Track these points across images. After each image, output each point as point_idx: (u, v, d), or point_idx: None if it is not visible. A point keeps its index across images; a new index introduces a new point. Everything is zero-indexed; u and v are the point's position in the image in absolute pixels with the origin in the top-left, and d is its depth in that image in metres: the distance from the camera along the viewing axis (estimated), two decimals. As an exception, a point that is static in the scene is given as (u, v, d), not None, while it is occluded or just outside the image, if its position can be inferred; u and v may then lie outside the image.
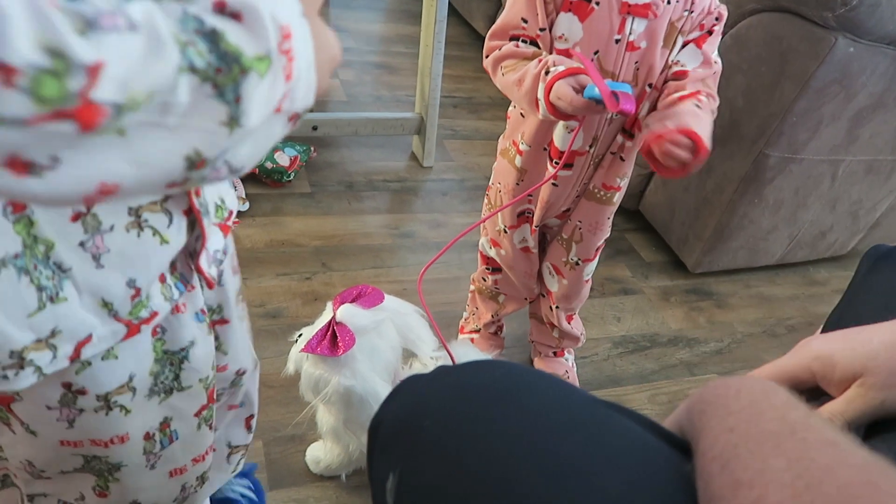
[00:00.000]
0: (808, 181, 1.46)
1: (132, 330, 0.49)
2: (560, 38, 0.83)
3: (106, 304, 0.47)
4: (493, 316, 1.22)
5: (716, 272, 1.64)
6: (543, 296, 1.20)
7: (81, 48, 0.25)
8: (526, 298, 1.20)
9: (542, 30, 0.83)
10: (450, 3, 2.32)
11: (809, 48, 1.23)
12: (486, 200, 1.12)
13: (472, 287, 1.26)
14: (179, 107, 0.29)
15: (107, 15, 0.26)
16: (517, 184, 1.00)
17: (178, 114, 0.29)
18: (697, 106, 0.84)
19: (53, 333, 0.44)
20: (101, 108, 0.27)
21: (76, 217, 0.43)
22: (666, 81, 0.88)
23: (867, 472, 0.32)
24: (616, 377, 1.32)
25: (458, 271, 1.46)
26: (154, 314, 0.50)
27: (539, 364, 1.28)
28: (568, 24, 0.82)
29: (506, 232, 1.07)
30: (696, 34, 0.87)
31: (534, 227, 1.05)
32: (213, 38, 0.30)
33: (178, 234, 0.50)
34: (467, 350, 0.95)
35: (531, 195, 1.01)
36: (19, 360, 0.43)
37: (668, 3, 0.83)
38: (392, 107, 1.98)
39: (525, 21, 0.83)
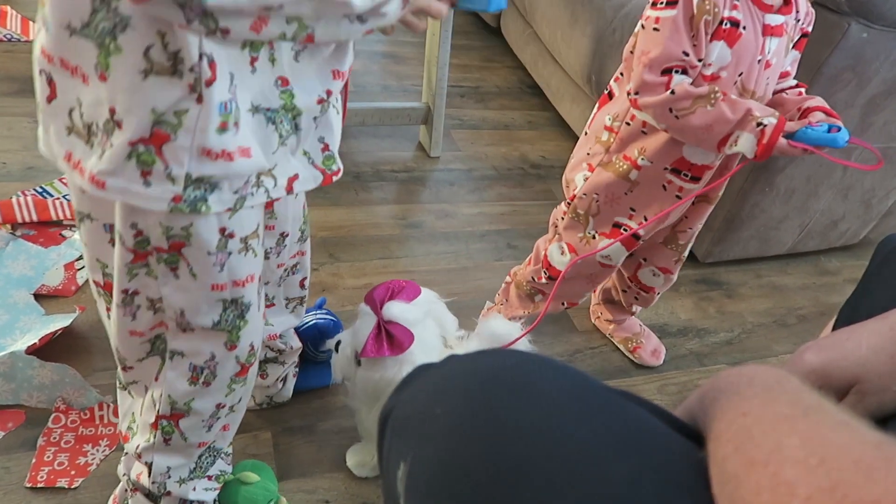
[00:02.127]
0: (819, 169, 1.44)
1: (326, 178, 0.68)
2: (709, 65, 0.87)
3: (305, 153, 0.66)
4: (524, 312, 1.22)
5: (726, 262, 1.63)
6: (625, 291, 1.25)
7: None
8: (564, 304, 1.19)
9: (699, 60, 0.86)
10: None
11: (822, 34, 1.21)
12: (564, 209, 1.09)
13: (508, 279, 1.25)
14: None
15: None
16: (625, 193, 1.01)
17: None
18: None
19: (275, 166, 0.61)
20: None
21: (320, 101, 0.62)
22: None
23: (881, 449, 0.32)
24: (625, 367, 1.31)
25: (467, 261, 1.46)
26: (339, 170, 0.69)
27: (609, 328, 1.35)
28: (718, 52, 0.86)
29: (594, 238, 1.07)
30: (797, 36, 0.94)
31: (635, 242, 1.06)
32: None
33: (340, 108, 0.69)
34: (500, 323, 0.94)
35: (634, 208, 1.02)
36: (258, 180, 0.60)
37: (790, 18, 0.89)
38: (399, 97, 1.97)
39: (686, 54, 0.85)
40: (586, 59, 1.72)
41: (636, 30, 0.92)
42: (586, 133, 1.06)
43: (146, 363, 0.74)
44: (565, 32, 1.80)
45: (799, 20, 0.92)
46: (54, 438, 0.95)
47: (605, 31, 1.66)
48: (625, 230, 1.04)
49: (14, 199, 1.24)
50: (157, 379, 0.75)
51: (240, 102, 0.55)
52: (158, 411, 0.74)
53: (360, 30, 0.56)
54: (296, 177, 0.64)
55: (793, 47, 0.96)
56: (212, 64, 0.51)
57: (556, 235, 1.13)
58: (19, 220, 1.22)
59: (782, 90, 0.97)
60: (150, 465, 0.78)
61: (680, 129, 0.90)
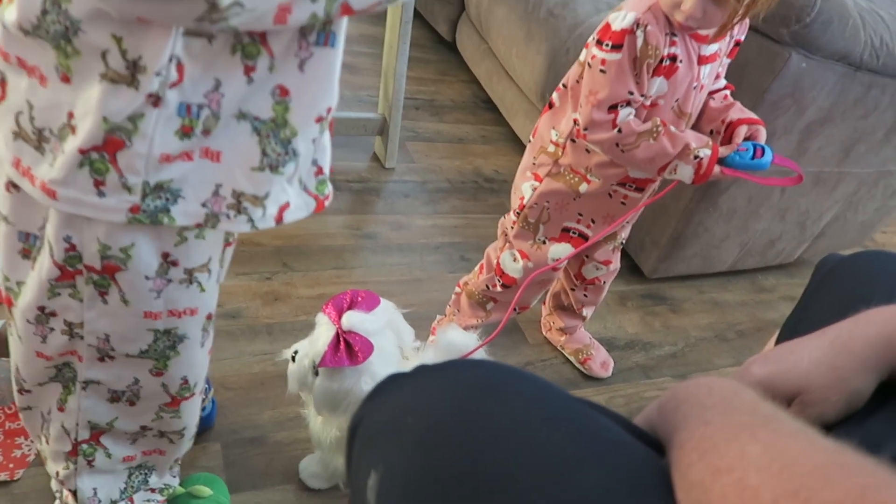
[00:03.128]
0: (760, 191, 1.51)
1: (319, 204, 0.64)
2: (648, 97, 0.93)
3: (300, 180, 0.60)
4: (477, 321, 1.23)
5: (671, 278, 1.68)
6: (573, 289, 1.27)
7: None
8: (517, 310, 1.21)
9: (643, 96, 0.91)
10: (415, 9, 2.32)
11: (765, 63, 1.28)
12: (514, 218, 1.12)
13: (458, 289, 1.26)
14: None
15: None
16: (574, 199, 1.06)
17: None
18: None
19: (266, 195, 0.56)
20: None
21: (319, 119, 0.57)
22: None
23: (837, 455, 0.34)
24: (575, 380, 1.34)
25: (420, 273, 1.46)
26: (329, 195, 0.65)
27: (561, 339, 1.37)
28: (658, 85, 0.92)
29: (544, 244, 1.10)
30: (731, 47, 1.00)
31: (584, 241, 1.10)
32: None
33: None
34: (457, 334, 0.94)
35: (581, 213, 1.07)
36: (237, 202, 0.55)
37: (725, 41, 0.95)
38: (354, 107, 1.97)
39: (631, 93, 0.90)
40: (540, 76, 1.75)
41: (581, 58, 0.95)
42: (530, 141, 1.10)
43: (46, 388, 0.70)
44: (520, 50, 1.84)
45: (732, 35, 0.98)
46: (-21, 436, 0.92)
47: (559, 51, 1.70)
48: (573, 234, 1.09)
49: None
50: (61, 409, 0.70)
51: (223, 108, 0.52)
52: (76, 439, 0.71)
53: None
54: (287, 205, 0.59)
55: (727, 57, 1.02)
56: (180, 66, 0.48)
57: (507, 243, 1.15)
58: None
59: (711, 93, 1.03)
60: (74, 492, 0.74)
61: (625, 160, 0.96)
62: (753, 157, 0.93)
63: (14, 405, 0.94)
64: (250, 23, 0.46)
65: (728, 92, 1.04)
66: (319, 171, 0.63)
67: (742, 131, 0.96)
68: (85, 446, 0.72)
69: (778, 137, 1.39)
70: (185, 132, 0.51)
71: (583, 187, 1.04)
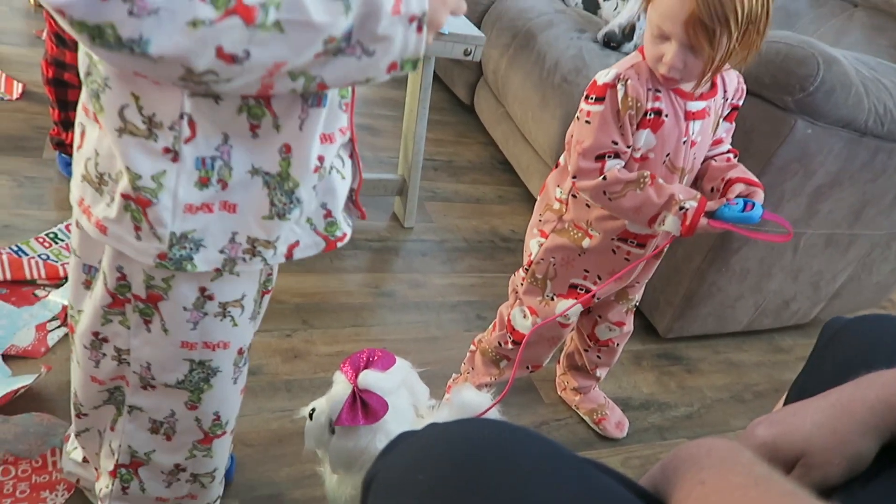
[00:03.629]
0: (772, 252, 1.53)
1: (330, 244, 0.69)
2: (637, 149, 0.97)
3: (308, 220, 0.67)
4: (490, 379, 1.25)
5: (686, 337, 1.69)
6: (587, 350, 1.29)
7: None
8: (529, 368, 1.23)
9: (628, 147, 0.96)
10: (434, 73, 2.41)
11: (771, 129, 1.32)
12: (523, 274, 1.16)
13: (472, 347, 1.29)
14: (308, 5, 0.48)
15: None
16: (579, 256, 1.09)
17: (309, 11, 0.49)
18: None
19: (277, 238, 0.63)
20: (251, 6, 0.47)
21: (315, 170, 0.63)
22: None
23: None
24: (590, 440, 1.34)
25: (437, 331, 1.49)
26: (344, 235, 0.71)
27: (575, 399, 1.38)
28: (645, 138, 0.96)
29: (552, 300, 1.13)
30: (727, 111, 1.05)
31: (592, 300, 1.13)
32: None
33: (349, 172, 0.71)
34: (471, 394, 0.97)
35: (587, 269, 1.10)
36: (252, 247, 0.62)
37: (714, 100, 0.99)
38: (374, 167, 2.04)
39: (615, 143, 0.95)
40: (555, 139, 1.81)
41: (576, 115, 1.01)
42: (538, 199, 1.15)
43: (101, 411, 0.76)
44: (536, 114, 1.90)
45: (727, 98, 1.03)
46: (7, 490, 0.94)
47: (573, 114, 1.75)
48: (581, 290, 1.12)
49: (-12, 258, 1.24)
50: (112, 429, 0.76)
51: (235, 163, 0.59)
52: (118, 460, 0.76)
53: (373, 64, 0.55)
54: (296, 244, 0.66)
55: (724, 119, 1.06)
56: (191, 123, 0.55)
57: (517, 300, 1.18)
58: (-7, 279, 1.22)
59: (713, 156, 1.07)
60: None
61: (614, 209, 1.00)
62: (743, 211, 0.94)
63: (42, 458, 0.98)
64: (235, 91, 0.53)
65: (731, 155, 1.08)
66: (329, 213, 0.69)
67: (737, 188, 0.98)
68: (123, 470, 0.76)
69: (787, 200, 1.42)
70: (203, 182, 0.58)
71: (586, 242, 1.07)
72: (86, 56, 0.57)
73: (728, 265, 1.50)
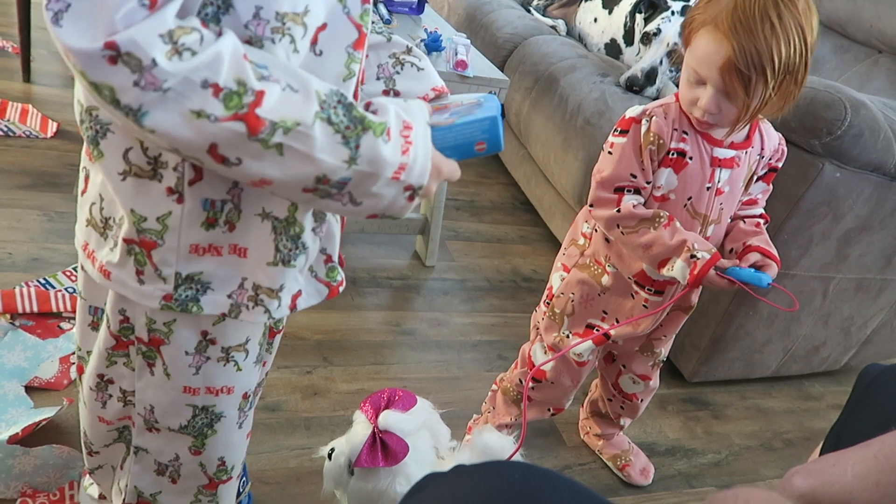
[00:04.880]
0: (800, 296, 1.50)
1: (332, 291, 0.68)
2: (658, 188, 0.96)
3: (310, 268, 0.65)
4: (511, 419, 1.23)
5: (712, 382, 1.65)
6: (611, 400, 1.27)
7: (256, 83, 0.47)
8: (550, 410, 1.21)
9: (647, 182, 0.96)
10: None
11: (799, 172, 1.31)
12: (544, 309, 1.15)
13: (494, 387, 1.27)
14: (316, 141, 0.49)
15: (273, 76, 0.48)
16: (598, 295, 1.08)
17: (314, 147, 0.49)
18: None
19: (281, 288, 0.62)
20: (261, 120, 0.47)
21: (314, 213, 0.62)
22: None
23: None
24: (614, 486, 1.30)
25: (458, 371, 1.47)
26: (342, 282, 0.70)
27: (598, 444, 1.35)
28: (666, 177, 0.96)
29: (567, 338, 1.12)
30: (764, 171, 1.04)
31: (606, 341, 1.10)
32: (348, 108, 0.52)
33: (338, 217, 0.69)
34: (493, 437, 0.95)
35: (606, 311, 1.09)
36: (255, 295, 0.61)
37: (747, 153, 0.98)
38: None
39: (634, 176, 0.95)
40: (578, 181, 1.81)
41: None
42: (567, 234, 1.15)
43: (112, 448, 0.76)
44: (558, 156, 1.91)
45: (763, 156, 1.02)
46: (25, 524, 0.93)
47: (595, 158, 1.75)
48: (597, 331, 1.10)
49: (17, 290, 1.26)
50: (121, 467, 0.75)
51: (245, 206, 0.58)
52: (125, 499, 0.75)
53: (355, 211, 0.56)
54: (299, 293, 0.65)
55: (759, 180, 1.05)
56: (196, 165, 0.55)
57: (539, 336, 1.17)
58: (20, 311, 1.24)
59: (744, 217, 1.06)
60: None
61: (626, 243, 0.99)
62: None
63: (60, 491, 0.97)
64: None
65: (761, 221, 1.07)
66: (329, 259, 0.68)
67: (752, 258, 0.98)
68: None
69: (816, 244, 1.39)
70: (210, 223, 0.58)
71: (605, 279, 1.06)
72: (79, 104, 0.57)
73: (756, 309, 1.47)
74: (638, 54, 2.07)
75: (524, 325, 1.66)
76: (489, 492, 0.46)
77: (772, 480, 1.43)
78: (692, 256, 0.93)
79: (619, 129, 0.97)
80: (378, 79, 0.71)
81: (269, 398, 1.25)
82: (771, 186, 1.08)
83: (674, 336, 1.19)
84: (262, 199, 0.58)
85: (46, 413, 1.05)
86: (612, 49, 2.26)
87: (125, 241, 0.57)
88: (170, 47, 0.43)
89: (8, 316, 1.23)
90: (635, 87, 1.91)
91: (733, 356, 1.57)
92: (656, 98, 1.95)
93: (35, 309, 1.25)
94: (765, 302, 0.98)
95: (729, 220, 1.05)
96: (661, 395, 1.58)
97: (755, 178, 1.04)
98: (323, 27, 0.55)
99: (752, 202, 1.07)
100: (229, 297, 0.61)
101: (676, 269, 0.95)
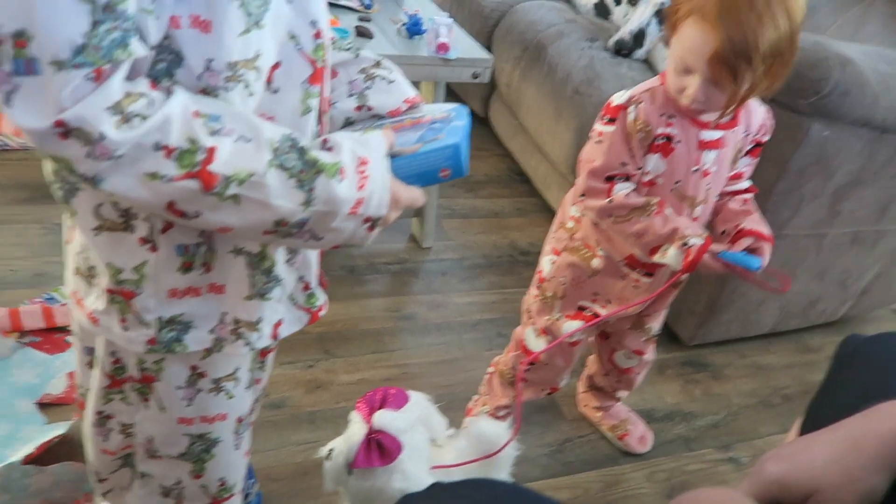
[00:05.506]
0: (793, 255, 1.50)
1: (313, 317, 0.71)
2: (646, 173, 0.97)
3: (290, 297, 0.68)
4: (508, 401, 1.26)
5: (710, 344, 1.67)
6: (607, 374, 1.29)
7: (207, 140, 0.48)
8: (545, 390, 1.24)
9: (638, 168, 0.96)
10: (447, 86, 2.42)
11: (786, 134, 1.29)
12: (535, 292, 1.17)
13: (490, 369, 1.30)
14: (271, 188, 0.51)
15: (226, 129, 0.50)
16: (589, 278, 1.10)
17: (270, 194, 0.51)
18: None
19: (259, 320, 0.64)
20: (214, 175, 0.49)
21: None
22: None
23: None
24: (613, 455, 1.34)
25: (458, 352, 1.50)
26: (322, 306, 0.72)
27: (597, 416, 1.38)
28: (654, 163, 0.96)
29: (559, 320, 1.14)
30: (750, 147, 1.04)
31: (598, 324, 1.13)
32: (301, 151, 0.53)
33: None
34: (488, 424, 0.99)
35: (597, 293, 1.10)
36: (236, 329, 0.63)
37: (734, 132, 0.98)
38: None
39: (624, 164, 0.96)
40: (570, 151, 1.80)
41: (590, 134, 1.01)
42: (555, 216, 1.16)
43: (119, 474, 0.79)
44: (550, 126, 1.90)
45: (749, 133, 1.01)
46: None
47: (587, 126, 1.75)
48: (588, 313, 1.12)
49: (22, 307, 1.29)
50: (129, 490, 0.79)
51: (218, 246, 0.60)
52: None
53: (318, 244, 0.57)
54: (280, 322, 0.68)
55: (746, 154, 1.05)
56: None
57: (531, 320, 1.19)
58: (26, 329, 1.27)
59: (732, 192, 1.06)
60: None
61: (618, 231, 1.00)
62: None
63: (76, 503, 1.02)
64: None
65: (750, 196, 1.07)
66: (307, 286, 0.70)
67: (745, 242, 0.98)
68: None
69: (807, 203, 1.39)
70: (186, 267, 0.60)
71: (595, 262, 1.08)
72: (49, 165, 0.58)
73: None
74: (626, 15, 2.03)
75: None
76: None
77: (770, 437, 1.46)
78: (685, 244, 0.94)
79: (606, 116, 0.97)
80: (350, 95, 0.72)
81: (273, 395, 1.29)
82: (757, 159, 1.08)
83: (665, 311, 1.20)
84: (234, 238, 0.60)
85: (59, 429, 1.09)
86: (601, 10, 2.22)
87: (108, 291, 0.60)
88: (118, 118, 0.45)
89: (16, 334, 1.26)
90: (624, 50, 1.89)
91: (730, 317, 1.58)
92: (645, 61, 1.93)
93: (42, 325, 1.28)
94: (756, 284, 1.00)
95: (716, 199, 1.05)
96: (659, 360, 1.60)
97: (741, 154, 1.04)
98: (277, 65, 0.56)
99: (738, 176, 1.07)
100: (211, 332, 0.63)
101: (670, 256, 0.96)
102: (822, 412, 0.79)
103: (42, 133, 0.44)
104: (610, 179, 0.97)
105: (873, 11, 1.95)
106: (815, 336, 1.81)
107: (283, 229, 0.54)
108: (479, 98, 2.42)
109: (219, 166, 0.49)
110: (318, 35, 0.58)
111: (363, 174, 0.56)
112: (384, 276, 1.69)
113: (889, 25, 1.91)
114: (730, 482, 1.32)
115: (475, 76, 1.51)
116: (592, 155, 0.98)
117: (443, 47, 1.48)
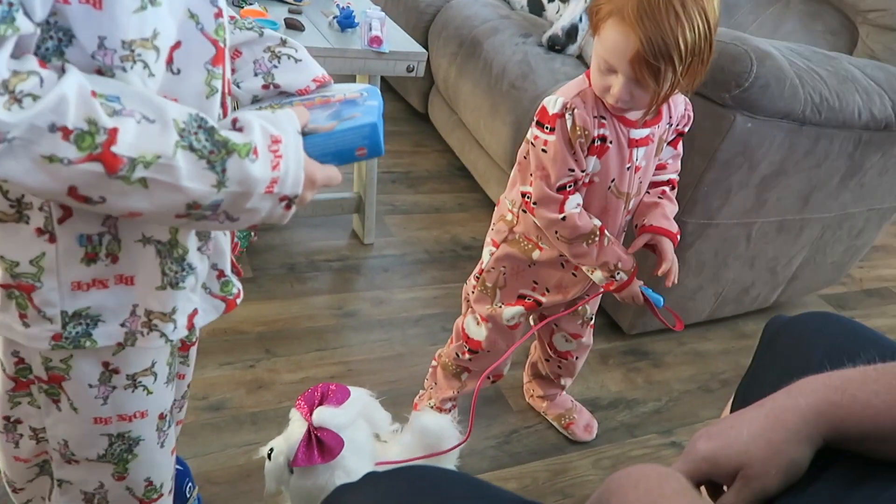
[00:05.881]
0: (725, 243, 1.56)
1: (230, 304, 0.69)
2: (587, 174, 0.99)
3: (204, 286, 0.66)
4: (453, 392, 1.26)
5: (650, 332, 1.71)
6: (548, 360, 1.32)
7: (107, 121, 0.45)
8: (490, 379, 1.24)
9: (583, 171, 0.98)
10: (384, 80, 2.41)
11: (712, 125, 1.34)
12: (474, 282, 1.18)
13: (433, 363, 1.29)
14: (181, 170, 0.49)
15: (127, 110, 0.47)
16: (529, 267, 1.12)
17: (180, 176, 0.48)
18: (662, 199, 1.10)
19: (174, 311, 0.62)
20: (118, 158, 0.46)
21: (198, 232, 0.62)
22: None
23: None
24: (560, 445, 1.36)
25: (402, 348, 1.49)
26: (239, 293, 0.70)
27: (543, 405, 1.40)
28: (592, 164, 0.99)
29: (500, 308, 1.15)
30: (672, 137, 1.07)
31: (537, 307, 1.16)
32: (209, 132, 0.51)
33: (228, 234, 0.69)
34: (431, 418, 0.98)
35: (536, 281, 1.14)
36: (148, 321, 0.61)
37: (658, 126, 1.01)
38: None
39: (571, 170, 0.97)
40: (507, 145, 1.82)
41: (528, 136, 1.01)
42: (496, 208, 1.17)
43: (36, 483, 0.75)
44: (487, 121, 1.91)
45: (672, 124, 1.05)
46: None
47: (523, 120, 1.77)
48: (528, 300, 1.15)
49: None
50: (49, 499, 0.75)
51: (124, 234, 0.57)
52: None
53: (234, 225, 0.56)
54: (195, 312, 0.65)
55: (668, 145, 1.09)
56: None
57: (469, 308, 1.19)
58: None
59: (655, 183, 1.11)
60: None
61: (555, 245, 1.05)
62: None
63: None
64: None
65: (668, 189, 1.11)
66: (221, 273, 0.68)
67: (642, 240, 1.06)
68: None
69: (735, 193, 1.44)
70: (90, 258, 0.56)
71: (535, 254, 1.09)
72: None
73: (684, 259, 1.52)
74: (558, 12, 2.06)
75: (466, 294, 1.69)
76: (398, 498, 0.49)
77: (709, 421, 1.51)
78: (611, 276, 1.02)
79: (544, 125, 0.97)
80: (256, 75, 0.69)
81: (213, 397, 1.26)
82: (680, 150, 1.12)
83: (599, 298, 1.23)
84: (141, 226, 0.57)
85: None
86: (535, 5, 2.25)
87: (2, 286, 0.56)
88: (6, 97, 0.41)
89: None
90: (557, 45, 1.92)
91: (667, 306, 1.62)
92: (579, 56, 1.96)
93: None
94: (660, 320, 1.11)
95: (647, 192, 1.09)
96: (602, 349, 1.63)
97: (664, 145, 1.07)
98: (177, 45, 0.53)
99: (662, 167, 1.10)
100: (122, 325, 0.60)
101: (595, 276, 1.04)
102: (750, 391, 0.82)
103: None
104: (562, 189, 0.99)
105: (790, 10, 2.04)
106: (749, 322, 1.88)
107: (196, 212, 0.51)
108: (418, 94, 2.42)
109: (123, 148, 0.46)
110: (219, 14, 0.56)
111: (276, 153, 0.54)
112: (325, 273, 1.67)
113: (805, 23, 2.00)
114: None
115: (410, 69, 1.51)
116: (544, 163, 0.98)
117: (375, 40, 1.47)
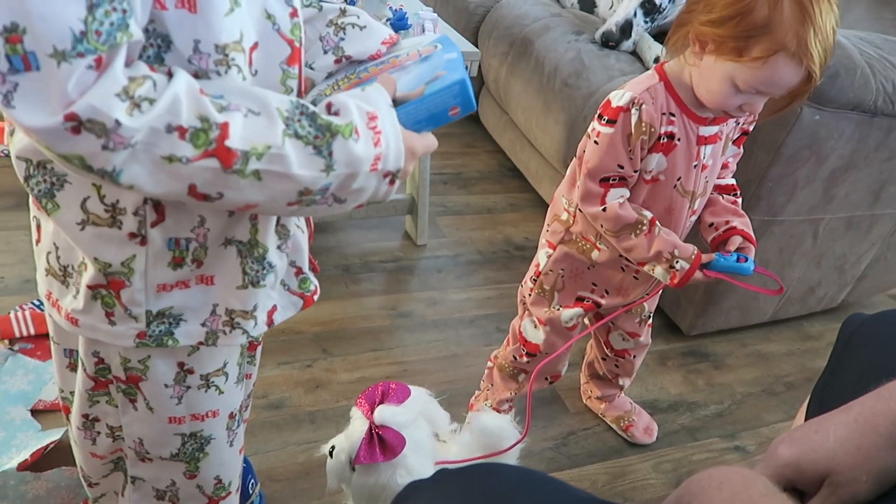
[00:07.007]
0: (790, 241, 1.50)
1: (307, 301, 0.69)
2: (649, 171, 0.97)
3: (283, 283, 0.66)
4: (510, 394, 1.24)
5: (710, 333, 1.66)
6: (605, 359, 1.29)
7: (218, 116, 0.46)
8: (548, 379, 1.22)
9: (635, 171, 0.96)
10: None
11: (777, 118, 1.29)
12: (531, 285, 1.16)
13: (489, 364, 1.29)
14: (291, 159, 0.50)
15: (233, 105, 0.48)
16: (588, 269, 1.10)
17: (291, 165, 0.50)
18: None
19: (254, 308, 0.63)
20: (232, 151, 0.47)
21: (277, 230, 0.63)
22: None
23: None
24: (619, 447, 1.33)
25: (456, 348, 1.49)
26: (316, 290, 0.71)
27: (601, 407, 1.37)
28: (656, 161, 0.96)
29: (558, 311, 1.13)
30: (737, 135, 1.04)
31: (596, 309, 1.14)
32: (312, 117, 0.51)
33: (305, 226, 0.69)
34: (490, 418, 0.98)
35: (595, 283, 1.11)
36: (230, 320, 0.62)
37: (727, 124, 0.98)
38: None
39: (621, 167, 0.95)
40: (561, 144, 1.80)
41: (588, 130, 1.00)
42: (549, 208, 1.15)
43: (111, 478, 0.77)
44: (539, 120, 1.89)
45: (738, 122, 1.02)
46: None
47: (576, 118, 1.75)
48: (587, 302, 1.12)
49: (12, 314, 1.27)
50: (122, 494, 0.77)
51: (210, 241, 0.58)
52: None
53: (341, 208, 0.57)
54: (274, 309, 0.66)
55: (733, 143, 1.05)
56: (158, 207, 0.55)
57: (526, 311, 1.18)
58: (17, 335, 1.25)
59: (719, 183, 1.08)
60: None
61: (609, 240, 1.01)
62: (737, 262, 0.98)
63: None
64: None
65: (739, 200, 1.09)
66: (299, 271, 0.69)
67: (736, 241, 1.01)
68: None
69: (801, 188, 1.39)
70: (177, 263, 0.58)
71: (595, 254, 1.07)
72: (22, 161, 0.55)
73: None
74: (611, 7, 2.03)
75: (519, 295, 1.68)
76: (471, 495, 0.48)
77: (775, 425, 1.46)
78: (671, 267, 0.97)
79: (605, 117, 0.94)
80: (325, 52, 0.69)
81: (272, 396, 1.27)
82: (742, 150, 1.08)
83: (658, 295, 1.20)
84: (225, 229, 0.58)
85: (54, 435, 1.07)
86: (586, 3, 2.22)
87: (89, 287, 0.57)
88: (128, 103, 0.43)
89: (6, 342, 1.24)
90: (611, 42, 1.88)
91: (729, 305, 1.58)
92: (633, 52, 1.92)
93: (32, 332, 1.26)
94: (750, 288, 1.04)
95: (710, 193, 1.07)
96: (660, 351, 1.60)
97: (729, 143, 1.04)
98: (255, 46, 0.54)
99: (725, 166, 1.08)
100: (203, 325, 0.61)
101: (657, 273, 0.99)
102: (827, 393, 0.78)
103: (52, 130, 0.41)
104: (605, 181, 0.96)
105: (858, -2, 1.96)
106: (814, 323, 1.81)
107: (307, 198, 0.52)
108: (468, 96, 2.41)
109: (234, 142, 0.47)
110: (294, 14, 0.56)
111: (375, 129, 0.54)
112: (379, 274, 1.68)
113: (873, 10, 1.92)
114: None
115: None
116: (589, 156, 0.97)
117: (432, 42, 1.46)
